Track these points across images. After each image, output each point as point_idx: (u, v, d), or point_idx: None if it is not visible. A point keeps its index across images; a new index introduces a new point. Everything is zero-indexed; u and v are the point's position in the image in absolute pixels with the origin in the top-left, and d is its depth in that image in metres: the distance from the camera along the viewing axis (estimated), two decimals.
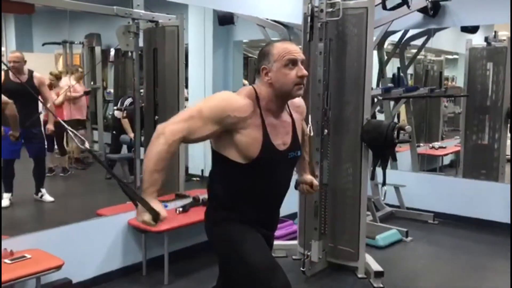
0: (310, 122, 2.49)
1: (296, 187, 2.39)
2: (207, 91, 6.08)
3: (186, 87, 5.45)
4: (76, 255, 3.27)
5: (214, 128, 1.81)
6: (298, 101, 2.04)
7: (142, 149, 4.38)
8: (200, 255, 3.93)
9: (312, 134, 2.36)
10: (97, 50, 6.71)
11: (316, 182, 2.32)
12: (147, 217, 1.74)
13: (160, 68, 4.25)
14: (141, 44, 4.22)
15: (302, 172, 2.34)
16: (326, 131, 3.63)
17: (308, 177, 2.32)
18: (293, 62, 1.85)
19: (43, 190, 4.78)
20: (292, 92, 1.89)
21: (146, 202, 1.74)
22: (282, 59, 1.85)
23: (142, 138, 4.25)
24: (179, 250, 3.92)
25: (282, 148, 1.93)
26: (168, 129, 1.77)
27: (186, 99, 5.27)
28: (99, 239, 3.53)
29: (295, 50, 1.88)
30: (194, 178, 5.53)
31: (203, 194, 3.94)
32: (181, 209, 3.80)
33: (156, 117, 4.22)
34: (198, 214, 3.65)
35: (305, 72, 1.88)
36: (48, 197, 4.78)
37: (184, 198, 4.04)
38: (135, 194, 1.80)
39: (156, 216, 1.75)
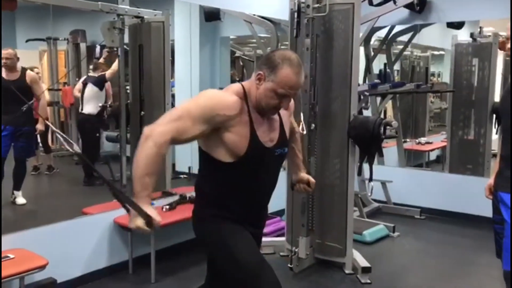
0: (302, 120, 2.45)
1: (292, 188, 2.37)
2: (194, 88, 6.04)
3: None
4: (61, 254, 3.24)
5: (204, 127, 1.79)
6: None
7: (128, 146, 4.35)
8: (187, 253, 3.91)
9: (304, 132, 2.35)
10: (82, 46, 6.63)
11: (313, 179, 2.31)
12: (140, 222, 1.72)
13: (146, 65, 4.20)
14: (126, 40, 4.18)
15: (297, 170, 2.33)
16: (313, 125, 3.62)
17: (305, 175, 2.31)
18: (284, 96, 1.84)
19: (17, 193, 4.62)
20: (267, 111, 1.90)
21: (138, 207, 1.71)
22: (278, 86, 1.81)
23: (128, 135, 4.22)
24: (166, 248, 3.89)
25: (269, 145, 1.92)
26: (157, 131, 1.74)
27: (173, 96, 5.23)
28: (85, 238, 3.50)
29: (295, 86, 1.84)
30: (182, 176, 5.49)
31: (190, 192, 3.92)
32: (167, 207, 3.77)
33: (142, 112, 4.17)
34: (185, 212, 3.63)
35: (287, 107, 1.90)
36: (21, 200, 4.61)
37: (171, 195, 4.01)
38: (127, 199, 1.78)
39: (149, 221, 1.72)
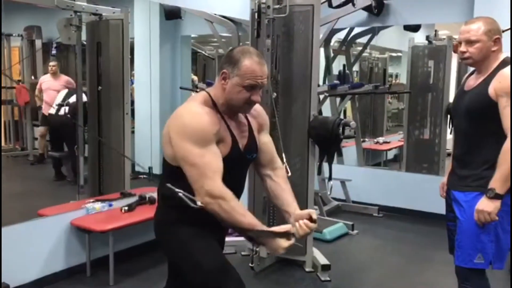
0: (285, 161, 2.32)
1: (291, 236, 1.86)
2: (154, 87, 5.97)
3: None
4: (15, 258, 3.14)
5: (213, 143, 1.79)
6: (257, 107, 2.00)
7: (85, 146, 4.26)
8: (147, 255, 3.86)
9: (289, 174, 2.29)
10: (38, 43, 6.44)
11: (315, 215, 1.93)
12: (283, 242, 1.78)
13: (104, 63, 4.13)
14: (84, 37, 4.09)
15: (289, 209, 2.03)
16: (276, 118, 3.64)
17: (303, 211, 1.98)
18: (252, 87, 1.83)
19: None
20: (240, 109, 1.90)
21: (269, 232, 1.78)
22: (244, 78, 1.81)
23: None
24: (124, 249, 3.82)
25: (242, 149, 1.92)
26: (207, 189, 1.75)
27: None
28: (41, 241, 3.40)
29: (261, 75, 1.83)
30: (141, 176, 5.40)
31: (149, 192, 3.88)
32: (126, 208, 3.71)
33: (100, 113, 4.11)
34: (144, 213, 3.59)
35: (258, 99, 1.88)
36: None
37: (130, 196, 3.95)
38: (258, 233, 1.79)
39: (287, 236, 1.79)
